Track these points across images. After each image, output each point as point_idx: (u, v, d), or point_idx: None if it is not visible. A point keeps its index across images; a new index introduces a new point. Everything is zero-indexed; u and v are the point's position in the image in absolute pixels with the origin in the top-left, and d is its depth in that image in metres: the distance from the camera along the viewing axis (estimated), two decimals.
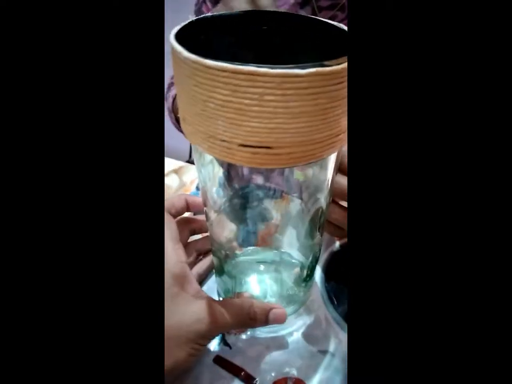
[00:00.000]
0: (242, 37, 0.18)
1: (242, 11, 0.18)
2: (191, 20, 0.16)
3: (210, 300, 0.23)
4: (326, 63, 0.12)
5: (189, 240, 0.30)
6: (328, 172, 0.20)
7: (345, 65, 0.12)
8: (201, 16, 0.17)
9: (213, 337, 0.25)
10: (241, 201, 0.25)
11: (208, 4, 0.50)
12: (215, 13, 0.17)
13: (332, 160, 0.19)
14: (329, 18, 0.45)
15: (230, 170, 0.22)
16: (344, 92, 0.13)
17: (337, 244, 0.35)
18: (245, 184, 0.25)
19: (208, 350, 0.27)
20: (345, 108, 0.14)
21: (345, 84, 0.12)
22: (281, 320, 0.24)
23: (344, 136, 0.15)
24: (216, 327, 0.22)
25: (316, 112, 0.12)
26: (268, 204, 0.26)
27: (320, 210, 0.23)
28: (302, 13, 0.45)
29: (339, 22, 0.47)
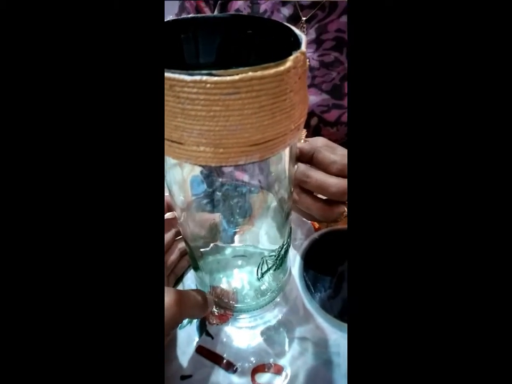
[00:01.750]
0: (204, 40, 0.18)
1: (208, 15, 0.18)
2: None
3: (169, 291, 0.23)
4: (214, 72, 0.12)
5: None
6: (283, 162, 0.21)
7: (235, 77, 0.12)
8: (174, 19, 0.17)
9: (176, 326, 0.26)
10: (218, 198, 0.26)
11: None
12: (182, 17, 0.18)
13: (286, 153, 0.20)
14: (310, 17, 0.46)
15: (211, 168, 0.23)
16: (251, 102, 0.13)
17: (316, 234, 0.36)
18: (226, 181, 0.26)
19: (191, 341, 0.28)
20: (267, 114, 0.14)
21: (239, 96, 0.13)
22: (209, 305, 0.26)
23: (280, 139, 0.15)
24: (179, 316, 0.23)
25: (209, 119, 0.13)
26: (244, 199, 0.27)
27: (282, 199, 0.24)
28: (284, 10, 0.46)
29: (319, 20, 0.48)
